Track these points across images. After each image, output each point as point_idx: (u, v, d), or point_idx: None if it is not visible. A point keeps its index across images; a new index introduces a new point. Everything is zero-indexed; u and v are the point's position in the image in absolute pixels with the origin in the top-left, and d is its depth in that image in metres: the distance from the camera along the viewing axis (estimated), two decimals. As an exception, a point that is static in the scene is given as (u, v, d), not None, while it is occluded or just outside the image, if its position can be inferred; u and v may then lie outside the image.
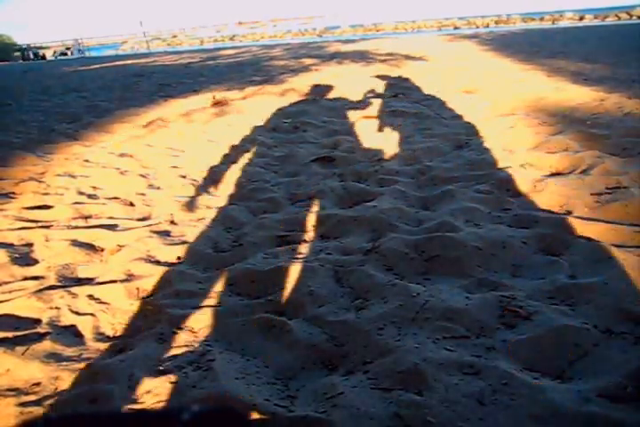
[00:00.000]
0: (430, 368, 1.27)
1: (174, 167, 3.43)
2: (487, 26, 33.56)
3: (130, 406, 1.22)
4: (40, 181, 3.21)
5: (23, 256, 2.16)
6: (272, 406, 1.20)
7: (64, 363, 1.43)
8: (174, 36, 48.05)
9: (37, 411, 1.23)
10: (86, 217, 2.60)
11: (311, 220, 2.37)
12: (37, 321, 1.67)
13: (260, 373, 1.37)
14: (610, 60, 6.97)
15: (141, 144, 4.10)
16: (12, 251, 2.19)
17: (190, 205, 2.69)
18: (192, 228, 2.39)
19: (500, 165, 2.93)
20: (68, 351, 1.49)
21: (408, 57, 9.71)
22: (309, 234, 2.26)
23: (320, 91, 6.14)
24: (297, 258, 1.98)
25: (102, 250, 2.23)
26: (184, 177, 3.21)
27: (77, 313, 1.70)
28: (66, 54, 35.32)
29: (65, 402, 1.26)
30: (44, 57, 32.66)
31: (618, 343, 1.33)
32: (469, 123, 4.08)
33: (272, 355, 1.45)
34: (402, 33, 33.27)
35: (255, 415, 1.16)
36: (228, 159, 3.53)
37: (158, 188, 3.05)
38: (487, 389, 1.20)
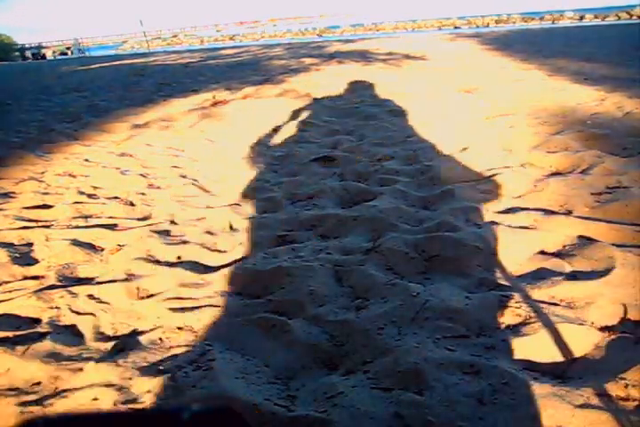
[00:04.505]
0: (430, 368, 1.27)
1: (174, 167, 3.43)
2: (487, 25, 33.58)
3: (130, 406, 1.22)
4: (40, 181, 3.21)
5: (23, 256, 2.16)
6: (272, 405, 1.20)
7: (64, 362, 1.43)
8: (174, 36, 48.09)
9: (37, 411, 1.23)
10: (86, 217, 2.60)
11: (311, 219, 2.37)
12: (37, 321, 1.67)
13: (260, 372, 1.37)
14: (610, 60, 6.96)
15: (141, 144, 4.10)
16: (12, 250, 2.19)
17: (190, 205, 2.69)
18: (192, 227, 2.39)
19: (501, 164, 2.93)
20: (68, 351, 1.49)
21: (408, 56, 9.71)
22: (309, 234, 2.25)
23: (320, 90, 6.14)
24: (297, 258, 1.98)
25: (102, 250, 2.23)
26: (184, 177, 3.21)
27: (77, 313, 1.70)
28: (66, 54, 35.36)
29: (65, 402, 1.26)
30: (43, 57, 32.67)
31: (618, 343, 1.33)
32: (470, 122, 4.08)
33: (272, 355, 1.45)
34: (402, 32, 33.30)
35: (255, 415, 1.16)
36: (228, 159, 3.53)
37: (158, 187, 3.05)
38: (487, 388, 1.20)
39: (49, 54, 35.48)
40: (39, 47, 36.42)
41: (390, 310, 1.55)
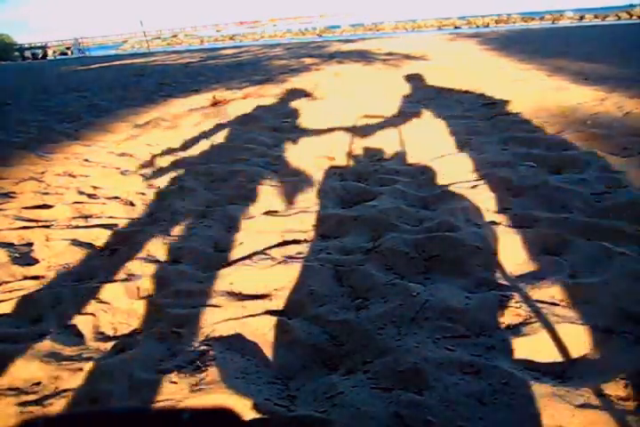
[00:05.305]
0: (430, 368, 1.27)
1: (174, 166, 3.42)
2: (487, 25, 33.57)
3: (130, 406, 1.22)
4: (40, 181, 3.21)
5: (23, 256, 2.16)
6: (272, 405, 1.20)
7: (64, 362, 1.43)
8: (174, 36, 48.08)
9: (37, 410, 1.23)
10: (86, 217, 2.60)
11: (311, 219, 2.37)
12: (37, 321, 1.67)
13: (260, 373, 1.37)
14: (610, 60, 6.96)
15: (141, 143, 4.10)
16: (12, 250, 2.19)
17: (191, 205, 2.69)
18: (192, 227, 2.38)
19: (501, 164, 2.93)
20: (68, 351, 1.49)
21: (408, 56, 9.71)
22: (309, 234, 2.25)
23: (320, 90, 6.14)
24: (297, 258, 1.98)
25: (102, 250, 2.23)
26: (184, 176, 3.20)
27: (77, 313, 1.69)
28: (66, 54, 35.38)
29: (65, 402, 1.26)
30: (44, 56, 32.65)
31: (618, 343, 1.33)
32: (470, 122, 4.08)
33: (272, 355, 1.45)
34: (402, 32, 33.31)
35: (255, 415, 1.16)
36: (228, 159, 3.53)
37: (158, 187, 3.05)
38: (487, 388, 1.20)
39: (49, 54, 35.46)
40: (43, 47, 36.30)
41: (390, 310, 1.55)
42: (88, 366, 1.39)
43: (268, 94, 6.12)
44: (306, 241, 2.18)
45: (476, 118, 4.18)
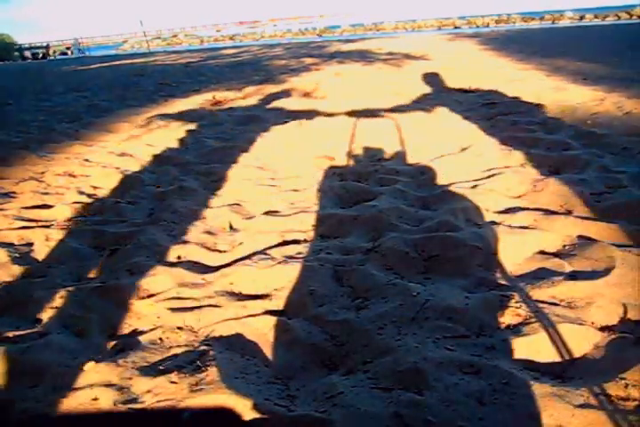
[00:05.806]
0: (430, 368, 1.27)
1: (174, 166, 3.42)
2: (487, 25, 33.59)
3: (130, 406, 1.22)
4: (40, 181, 3.21)
5: (23, 256, 2.16)
6: (272, 405, 1.20)
7: (64, 363, 1.43)
8: (174, 36, 48.09)
9: (37, 410, 1.23)
10: (86, 216, 2.59)
11: (311, 219, 2.37)
12: (37, 321, 1.67)
13: (259, 372, 1.37)
14: (609, 60, 6.96)
15: (141, 144, 4.10)
16: (12, 250, 2.19)
17: (191, 205, 2.69)
18: (192, 227, 2.38)
19: (501, 164, 2.93)
20: (69, 351, 1.49)
21: (408, 56, 9.71)
22: (309, 234, 2.25)
23: (321, 90, 6.14)
24: (297, 258, 1.98)
25: (103, 250, 2.23)
26: (184, 176, 3.20)
27: (77, 313, 1.69)
28: (66, 54, 35.36)
29: (65, 402, 1.26)
30: (44, 56, 32.60)
31: (618, 343, 1.33)
32: (470, 122, 4.08)
33: (272, 355, 1.45)
34: (402, 32, 33.33)
35: (255, 415, 1.16)
36: (228, 158, 3.52)
37: (158, 187, 3.05)
38: (487, 388, 1.20)
39: (50, 54, 35.41)
40: (44, 47, 36.15)
41: (390, 310, 1.55)
42: (88, 366, 1.39)
43: (268, 94, 6.12)
44: (306, 241, 2.18)
45: (476, 118, 4.18)
